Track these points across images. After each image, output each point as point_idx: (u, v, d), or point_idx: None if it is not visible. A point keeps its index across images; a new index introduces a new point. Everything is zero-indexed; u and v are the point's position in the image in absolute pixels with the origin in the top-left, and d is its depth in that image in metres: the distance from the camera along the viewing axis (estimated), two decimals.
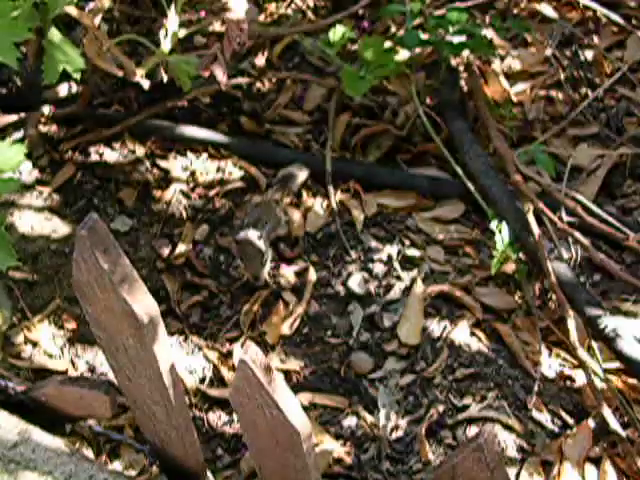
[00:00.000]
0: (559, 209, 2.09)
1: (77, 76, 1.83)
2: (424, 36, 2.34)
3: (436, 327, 2.11)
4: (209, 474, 1.64)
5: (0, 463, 1.47)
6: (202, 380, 2.07)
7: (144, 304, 1.27)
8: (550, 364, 2.08)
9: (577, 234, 1.96)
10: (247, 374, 1.11)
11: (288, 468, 1.27)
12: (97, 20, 1.94)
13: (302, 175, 2.32)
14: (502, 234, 2.06)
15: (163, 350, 1.29)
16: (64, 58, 1.77)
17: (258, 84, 2.60)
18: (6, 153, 1.62)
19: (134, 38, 2.17)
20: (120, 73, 2.03)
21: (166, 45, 2.05)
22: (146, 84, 2.08)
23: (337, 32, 2.25)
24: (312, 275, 2.20)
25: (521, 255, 2.16)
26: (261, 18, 2.74)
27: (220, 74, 2.06)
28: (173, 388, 1.30)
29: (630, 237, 1.86)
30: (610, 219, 1.95)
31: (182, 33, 2.12)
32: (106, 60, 1.97)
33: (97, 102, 2.56)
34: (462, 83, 2.52)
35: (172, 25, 2.06)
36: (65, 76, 1.90)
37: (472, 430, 1.97)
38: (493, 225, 2.08)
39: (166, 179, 2.42)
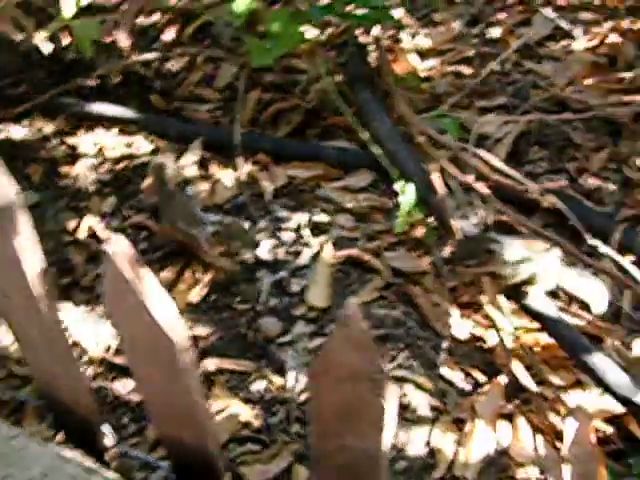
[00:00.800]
0: (466, 171, 2.11)
1: None
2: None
3: (345, 291, 2.10)
4: (107, 428, 1.60)
5: None
6: (107, 349, 2.03)
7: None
8: (461, 325, 2.08)
9: (482, 188, 1.97)
10: (114, 272, 1.07)
11: (170, 395, 1.24)
12: None
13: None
14: (407, 195, 2.07)
15: (26, 248, 1.22)
16: None
17: (169, 64, 2.59)
18: None
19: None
20: (19, 36, 2.00)
21: (67, 10, 2.03)
22: (47, 48, 2.05)
23: (241, 3, 2.25)
24: None
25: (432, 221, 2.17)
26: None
27: (124, 39, 2.05)
28: (46, 301, 1.25)
29: (529, 188, 1.88)
30: (514, 173, 1.96)
31: (85, 1, 2.10)
32: (3, 21, 1.94)
33: (4, 83, 2.53)
34: (372, 59, 2.54)
35: None
36: None
37: None
38: (397, 186, 2.08)
39: (74, 155, 2.39)
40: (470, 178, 2.02)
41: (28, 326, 1.30)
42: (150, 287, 1.10)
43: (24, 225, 1.18)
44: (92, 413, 1.51)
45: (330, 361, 1.04)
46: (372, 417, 1.07)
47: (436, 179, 2.07)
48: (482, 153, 2.03)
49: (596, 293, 1.93)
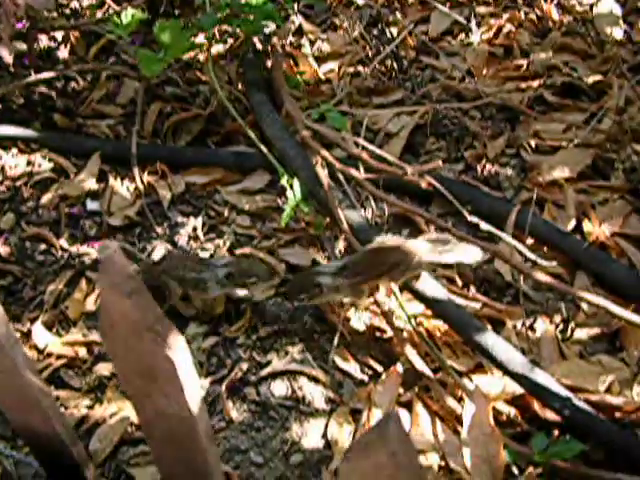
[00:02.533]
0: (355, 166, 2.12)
1: None
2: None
3: (239, 289, 2.10)
4: None
5: None
6: None
7: None
8: (359, 317, 2.08)
9: (357, 174, 1.98)
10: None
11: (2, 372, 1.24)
12: None
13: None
14: (293, 189, 2.08)
15: None
16: None
17: (72, 83, 2.62)
18: None
19: None
20: None
21: None
22: None
23: (128, 14, 2.28)
24: None
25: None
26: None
27: (6, 55, 2.07)
28: None
29: (408, 170, 1.88)
30: (391, 158, 1.97)
31: None
32: None
33: None
34: (269, 66, 2.57)
35: None
36: None
37: (276, 384, 1.95)
38: (284, 181, 2.09)
39: None
40: (354, 171, 2.03)
41: None
42: None
43: None
44: None
45: (107, 313, 1.04)
46: (166, 373, 1.07)
47: (321, 173, 2.08)
48: (365, 144, 2.03)
49: (467, 250, 1.95)
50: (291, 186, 2.07)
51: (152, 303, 1.03)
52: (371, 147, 2.00)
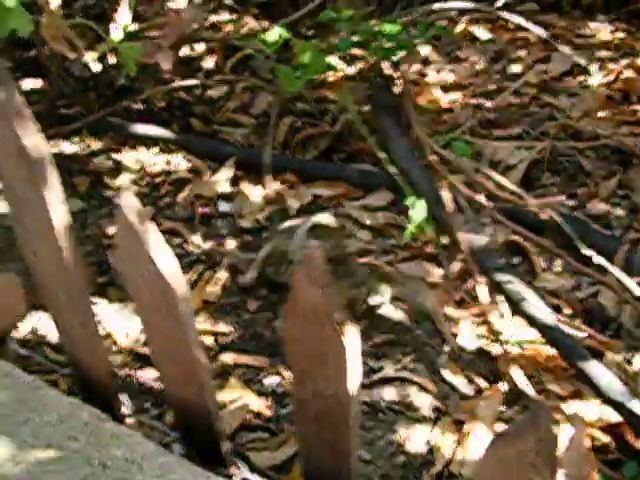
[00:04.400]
0: (477, 191, 2.25)
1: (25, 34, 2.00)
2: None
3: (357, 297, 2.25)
4: (125, 397, 1.75)
5: None
6: (136, 341, 2.19)
7: (33, 140, 1.33)
8: (468, 334, 2.20)
9: (484, 200, 2.11)
10: (124, 223, 1.24)
11: (171, 341, 1.39)
12: (55, 4, 2.15)
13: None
14: (417, 209, 2.21)
15: (55, 202, 1.35)
16: (15, 21, 1.96)
17: (210, 91, 2.80)
18: None
19: (87, 24, 2.37)
20: (72, 55, 2.22)
21: (116, 35, 2.26)
22: (96, 67, 2.27)
23: (274, 33, 2.45)
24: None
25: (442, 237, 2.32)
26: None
27: (164, 62, 2.26)
28: (70, 254, 1.41)
29: (531, 202, 2.00)
30: (515, 189, 2.10)
31: (134, 27, 2.33)
32: (60, 42, 2.16)
33: (60, 104, 2.76)
34: (396, 91, 2.72)
35: (123, 17, 2.26)
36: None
37: (387, 389, 2.08)
38: (409, 201, 2.23)
39: (118, 169, 2.60)
40: (479, 196, 2.16)
41: (54, 284, 1.47)
42: (155, 240, 1.26)
43: (54, 180, 1.35)
44: (109, 377, 1.66)
45: (297, 301, 1.19)
46: (336, 357, 1.21)
47: (446, 196, 2.21)
48: (489, 172, 2.17)
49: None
50: (414, 206, 2.21)
51: (335, 298, 1.18)
52: (497, 176, 2.13)
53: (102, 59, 2.30)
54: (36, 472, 1.43)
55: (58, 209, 1.38)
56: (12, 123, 1.29)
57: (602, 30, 2.96)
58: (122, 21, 2.27)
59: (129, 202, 1.23)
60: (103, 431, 1.49)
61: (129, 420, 1.76)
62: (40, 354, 2.09)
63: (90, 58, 2.24)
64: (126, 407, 1.73)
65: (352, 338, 1.22)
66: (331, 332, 1.20)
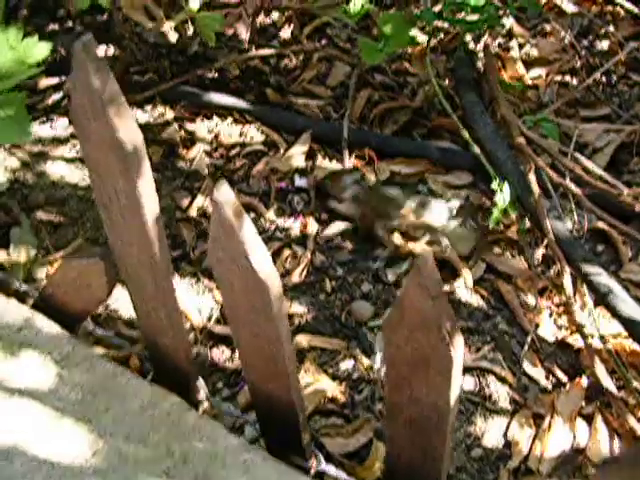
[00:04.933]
0: (564, 175, 2.16)
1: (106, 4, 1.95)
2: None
3: None
4: (201, 381, 1.72)
5: (7, 343, 1.58)
6: (209, 319, 2.16)
7: (129, 131, 1.28)
8: (549, 325, 2.14)
9: (573, 187, 2.02)
10: (221, 218, 1.18)
11: (261, 338, 1.35)
12: None
13: None
14: (503, 193, 2.13)
15: (148, 192, 1.31)
16: None
17: (285, 61, 2.73)
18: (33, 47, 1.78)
19: None
20: (149, 24, 2.17)
21: (194, 3, 2.19)
22: (173, 37, 2.21)
23: (357, 3, 2.36)
24: (314, 228, 2.32)
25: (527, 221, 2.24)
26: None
27: (243, 32, 2.19)
28: (159, 243, 1.38)
29: (625, 192, 1.92)
30: (608, 177, 2.01)
31: None
32: (138, 11, 2.11)
33: (133, 70, 2.71)
34: (479, 66, 2.62)
35: None
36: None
37: (466, 379, 2.03)
38: (495, 184, 2.15)
39: (191, 140, 2.55)
40: (566, 182, 2.07)
41: (141, 275, 1.44)
42: (250, 236, 1.21)
43: (147, 170, 1.30)
44: (189, 364, 1.63)
45: (404, 308, 1.13)
46: (440, 367, 1.16)
47: (533, 180, 2.13)
48: (580, 157, 2.08)
49: None
50: (501, 189, 2.13)
51: (447, 306, 1.12)
52: (586, 162, 2.04)
53: (179, 29, 2.24)
54: (115, 463, 1.40)
55: (150, 201, 1.33)
56: (107, 115, 1.23)
57: None
58: None
59: (226, 196, 1.17)
60: (185, 422, 1.46)
61: (205, 404, 1.73)
62: (112, 330, 2.07)
63: (167, 27, 2.17)
64: (203, 393, 1.70)
65: (459, 349, 1.17)
66: (439, 342, 1.14)
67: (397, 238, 2.24)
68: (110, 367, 1.56)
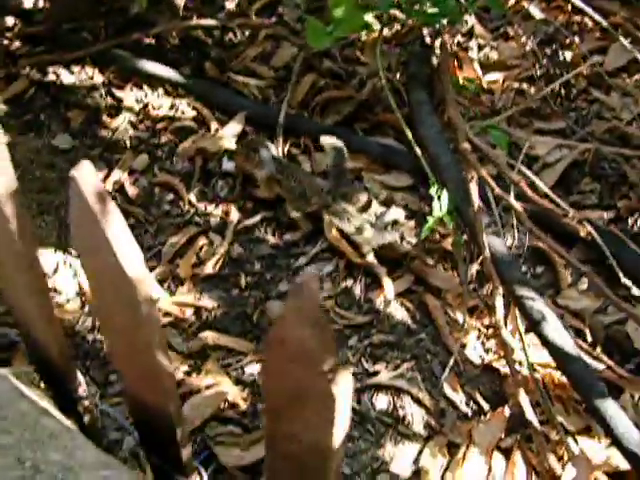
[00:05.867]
0: (508, 189, 2.01)
1: None
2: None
3: (358, 289, 2.03)
4: (79, 376, 1.54)
5: None
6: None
7: None
8: (475, 346, 1.99)
9: (516, 204, 1.87)
10: (83, 205, 1.01)
11: (133, 344, 1.18)
12: None
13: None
14: (441, 200, 1.98)
15: None
16: None
17: (229, 35, 2.55)
18: None
19: None
20: None
21: None
22: None
23: None
24: (235, 217, 2.15)
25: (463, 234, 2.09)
26: None
27: None
28: (18, 224, 1.19)
29: (570, 214, 1.78)
30: (554, 196, 1.87)
31: None
32: None
33: (67, 27, 2.51)
34: (434, 62, 2.46)
35: None
36: None
37: (379, 398, 1.88)
38: (433, 191, 2.00)
39: (117, 107, 2.37)
40: (510, 197, 1.92)
41: (3, 255, 1.25)
42: (117, 228, 1.03)
43: None
44: (63, 358, 1.45)
45: (282, 334, 0.96)
46: (320, 405, 0.99)
47: (474, 190, 1.98)
48: (527, 172, 1.93)
49: None
50: (439, 197, 1.98)
51: (330, 338, 0.95)
52: (533, 177, 1.89)
53: None
54: None
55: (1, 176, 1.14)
56: None
57: None
58: None
59: (87, 176, 1.00)
60: (41, 427, 1.27)
61: (85, 402, 1.55)
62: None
63: None
64: (83, 389, 1.52)
65: (343, 387, 1.00)
66: (318, 377, 0.97)
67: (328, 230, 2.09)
68: None
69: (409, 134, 2.16)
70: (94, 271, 1.11)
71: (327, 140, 2.16)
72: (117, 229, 1.03)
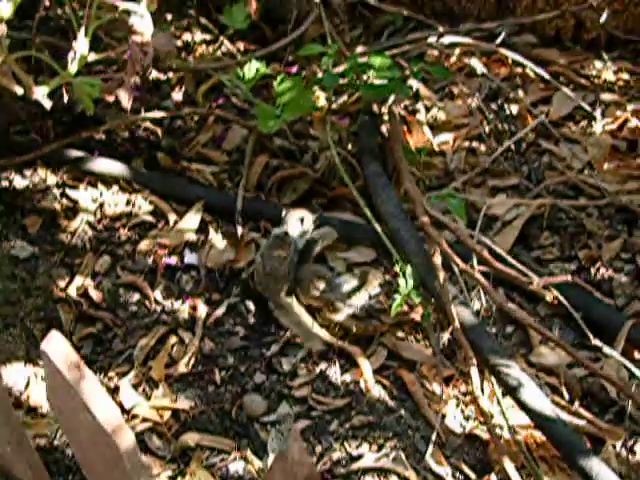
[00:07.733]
0: (470, 257, 2.03)
1: None
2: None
3: (334, 372, 2.03)
4: None
5: None
6: None
7: None
8: (455, 416, 2.00)
9: (480, 277, 1.89)
10: (54, 370, 1.01)
11: None
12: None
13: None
14: (406, 277, 1.99)
15: None
16: None
17: (178, 122, 2.56)
18: None
19: (39, 57, 2.11)
20: (20, 90, 1.97)
21: (72, 67, 2.00)
22: (47, 104, 2.01)
23: (252, 67, 2.21)
24: (203, 311, 2.15)
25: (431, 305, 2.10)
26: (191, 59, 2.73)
27: (125, 99, 2.01)
28: None
29: (535, 282, 1.80)
30: (516, 264, 1.89)
31: (92, 57, 2.06)
32: (6, 76, 1.91)
33: (14, 130, 2.50)
34: (384, 130, 2.48)
35: (80, 48, 2.00)
36: None
37: None
38: (397, 268, 2.01)
39: (74, 209, 2.36)
40: (470, 267, 1.94)
41: None
42: (90, 388, 1.03)
43: None
44: None
45: None
46: None
47: (438, 263, 2.00)
48: (486, 240, 1.96)
49: None
50: (404, 273, 1.99)
51: None
52: (496, 248, 1.92)
53: (55, 93, 2.04)
54: None
55: None
56: None
57: (605, 69, 2.74)
58: (79, 51, 2.01)
59: (57, 347, 1.00)
60: None
61: None
62: None
63: (40, 94, 1.97)
64: None
65: None
66: None
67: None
68: None
69: (367, 212, 2.18)
70: (76, 431, 1.11)
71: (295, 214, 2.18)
72: (92, 391, 1.03)
